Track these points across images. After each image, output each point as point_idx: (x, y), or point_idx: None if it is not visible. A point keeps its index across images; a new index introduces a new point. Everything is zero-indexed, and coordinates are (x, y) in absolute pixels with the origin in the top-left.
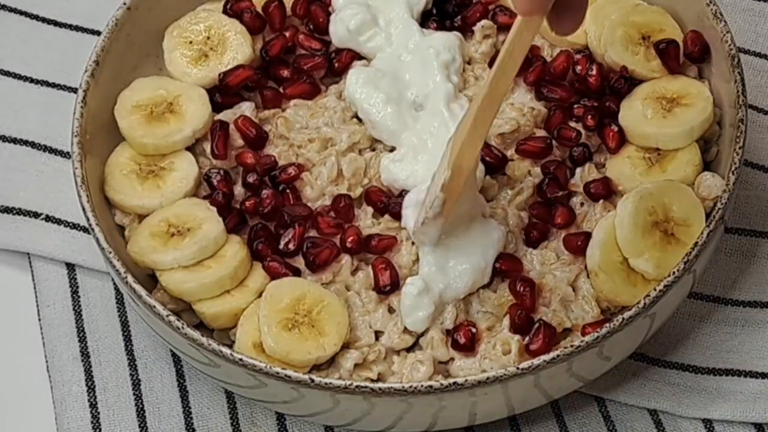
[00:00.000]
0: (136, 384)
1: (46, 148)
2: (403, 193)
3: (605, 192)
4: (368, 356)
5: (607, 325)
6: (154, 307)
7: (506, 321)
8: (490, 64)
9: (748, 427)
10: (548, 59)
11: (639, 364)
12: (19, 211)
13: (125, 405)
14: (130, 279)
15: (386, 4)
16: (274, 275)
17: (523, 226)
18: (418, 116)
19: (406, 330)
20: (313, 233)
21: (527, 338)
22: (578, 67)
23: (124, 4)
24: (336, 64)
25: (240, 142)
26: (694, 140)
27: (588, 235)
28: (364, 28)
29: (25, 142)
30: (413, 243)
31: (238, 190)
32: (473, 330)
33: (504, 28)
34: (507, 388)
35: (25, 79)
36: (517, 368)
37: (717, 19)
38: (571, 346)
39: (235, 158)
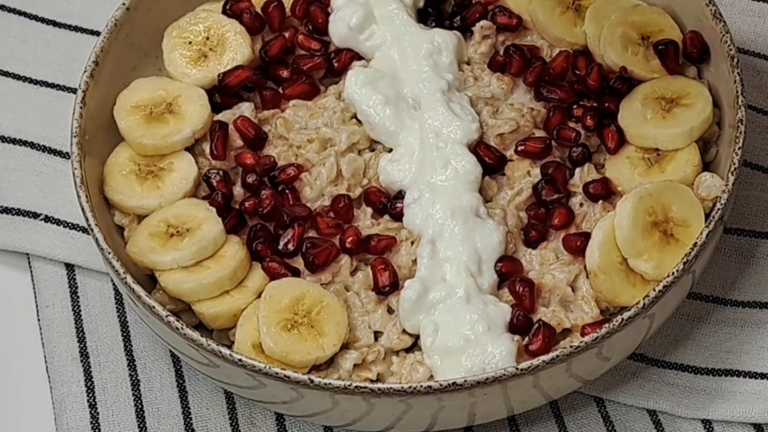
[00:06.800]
0: (135, 384)
1: (45, 149)
2: (401, 194)
3: (604, 192)
4: (367, 357)
5: (607, 325)
6: (154, 307)
7: None
8: (489, 65)
9: (748, 427)
10: (547, 59)
11: (638, 365)
12: (18, 212)
13: (124, 405)
14: (129, 279)
15: (383, 2)
16: (273, 275)
17: (522, 226)
18: (417, 116)
19: (405, 330)
20: (312, 233)
21: (526, 339)
22: (578, 68)
23: (124, 4)
24: (335, 65)
25: (239, 142)
26: (694, 141)
27: (587, 236)
28: (364, 25)
29: (24, 143)
30: (412, 243)
31: (238, 190)
32: None
33: (503, 29)
34: (506, 388)
35: (24, 79)
36: (517, 369)
37: (716, 20)
38: (571, 346)
39: (234, 159)
